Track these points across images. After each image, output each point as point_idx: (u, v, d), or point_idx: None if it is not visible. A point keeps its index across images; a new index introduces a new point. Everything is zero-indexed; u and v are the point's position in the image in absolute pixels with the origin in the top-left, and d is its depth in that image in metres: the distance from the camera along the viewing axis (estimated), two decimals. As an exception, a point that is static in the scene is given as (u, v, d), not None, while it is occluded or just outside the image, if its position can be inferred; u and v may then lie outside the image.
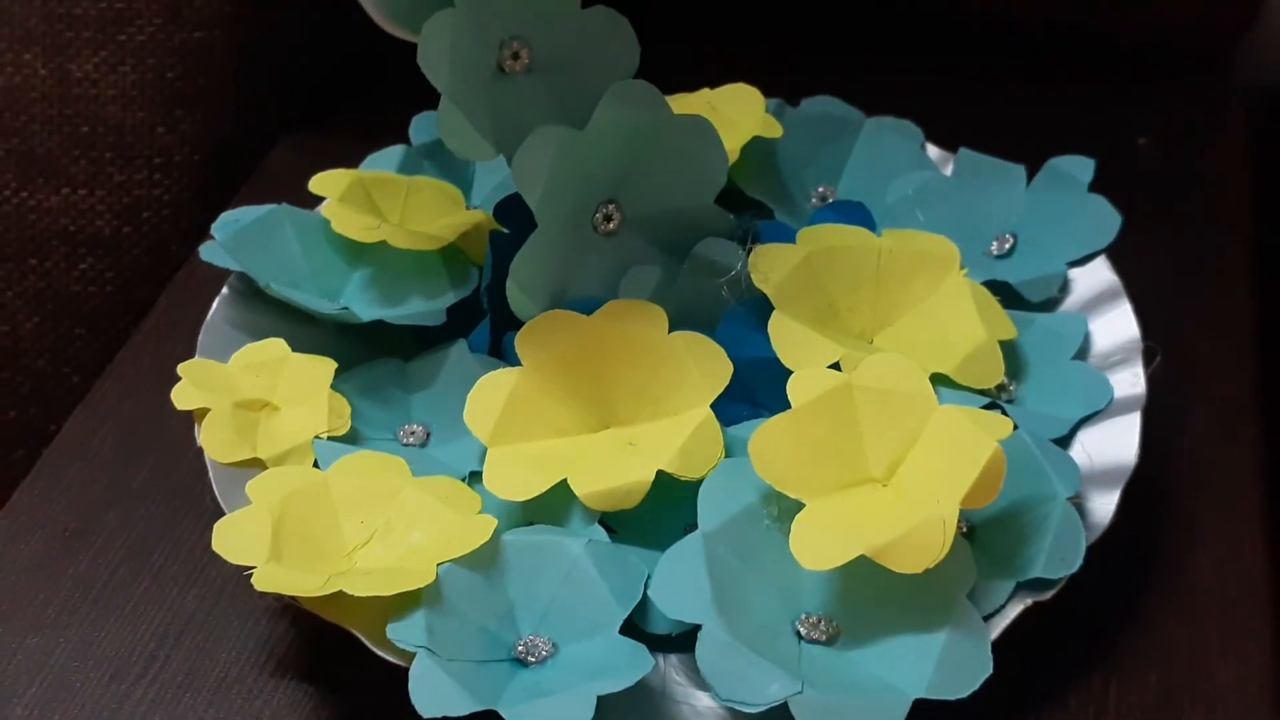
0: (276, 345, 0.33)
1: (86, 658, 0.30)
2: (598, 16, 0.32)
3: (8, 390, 0.45)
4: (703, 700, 0.27)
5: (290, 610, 0.30)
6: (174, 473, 0.33)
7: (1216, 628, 0.29)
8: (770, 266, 0.32)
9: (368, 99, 0.43)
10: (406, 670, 0.27)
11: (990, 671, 0.27)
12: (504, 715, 0.26)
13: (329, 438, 0.31)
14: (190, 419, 0.32)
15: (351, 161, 0.37)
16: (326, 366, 0.32)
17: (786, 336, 0.31)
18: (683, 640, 0.28)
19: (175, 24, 0.42)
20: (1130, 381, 0.31)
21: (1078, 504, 0.29)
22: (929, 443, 0.28)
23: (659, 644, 0.28)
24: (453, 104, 0.31)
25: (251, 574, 0.28)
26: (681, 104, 0.37)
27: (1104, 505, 0.29)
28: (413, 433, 0.33)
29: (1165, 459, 0.32)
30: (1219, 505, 0.31)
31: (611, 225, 0.33)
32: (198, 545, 0.31)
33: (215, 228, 0.34)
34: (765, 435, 0.28)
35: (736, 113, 0.37)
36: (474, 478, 0.31)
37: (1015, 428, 0.29)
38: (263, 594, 0.30)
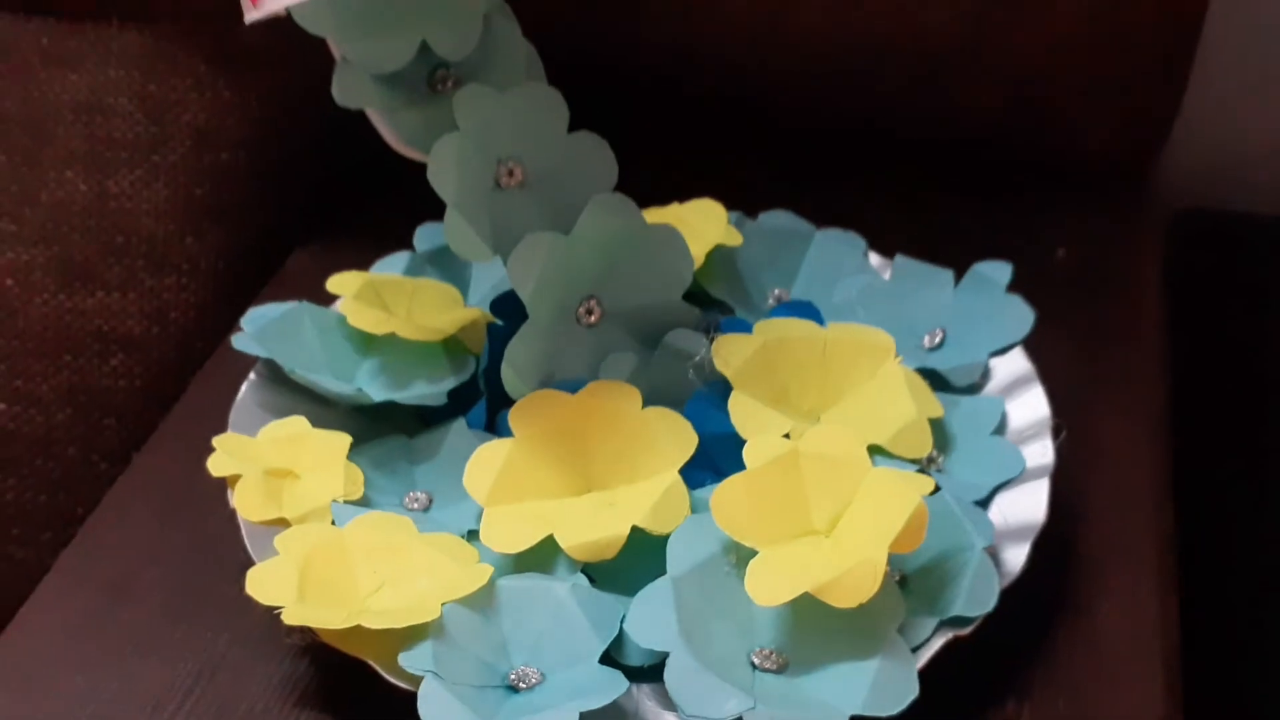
0: (298, 422, 0.37)
1: (129, 694, 0.34)
2: (582, 139, 0.37)
3: (40, 476, 0.49)
4: (670, 719, 0.31)
5: (311, 650, 0.34)
6: (206, 535, 0.37)
7: (1116, 662, 0.34)
8: (731, 353, 0.37)
9: (375, 212, 0.48)
10: (414, 697, 0.31)
11: (916, 694, 0.31)
12: (498, 725, 0.30)
13: (345, 501, 0.36)
14: (221, 487, 0.36)
15: (361, 266, 0.42)
16: (342, 441, 0.37)
17: (744, 413, 0.36)
18: (653, 672, 0.32)
19: (204, 147, 0.47)
20: (1040, 452, 0.36)
21: (993, 553, 0.33)
22: (863, 500, 0.33)
23: (633, 675, 0.32)
24: (458, 214, 0.36)
25: (279, 615, 0.32)
26: (654, 216, 0.42)
27: (1016, 556, 0.34)
28: (417, 499, 0.37)
29: (1071, 519, 0.36)
30: (1119, 558, 0.36)
31: (593, 318, 0.38)
32: (227, 597, 0.35)
33: (244, 321, 0.39)
34: (724, 492, 0.32)
35: (702, 223, 0.42)
36: (471, 536, 0.35)
37: (937, 488, 0.34)
38: (287, 636, 0.34)
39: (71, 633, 0.35)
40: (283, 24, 0.46)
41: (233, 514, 0.36)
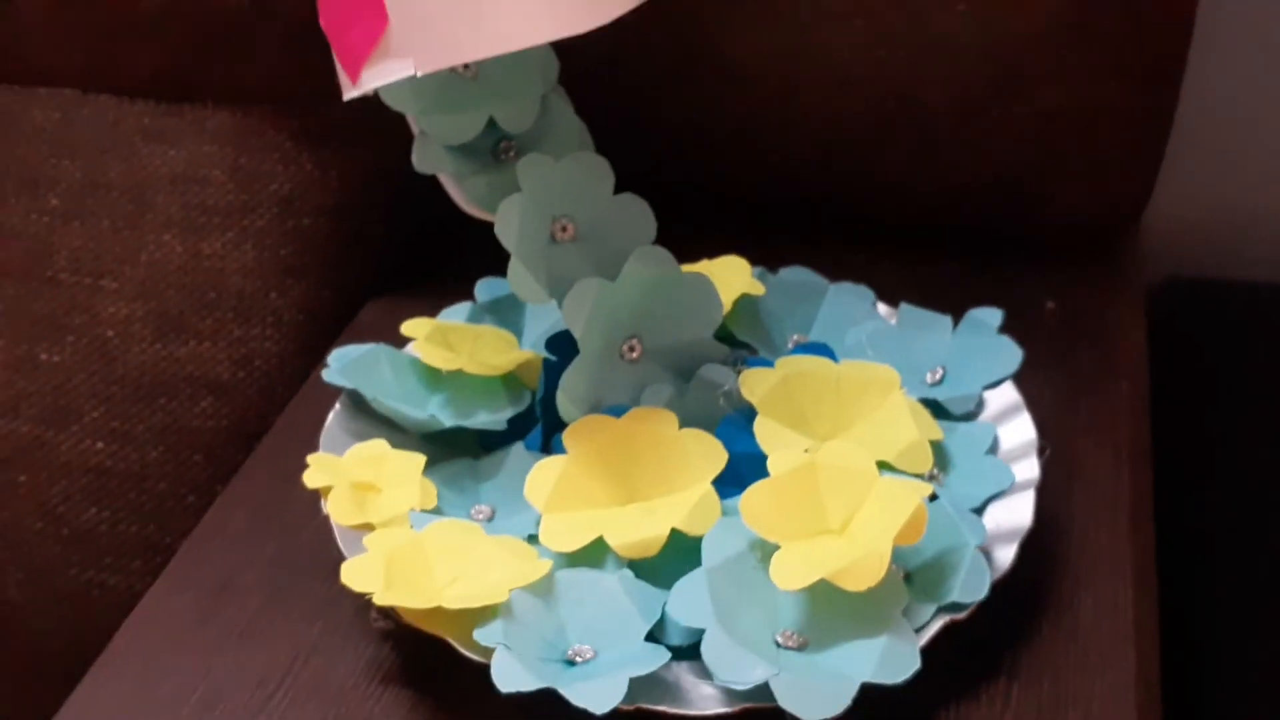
0: (379, 444, 0.43)
1: (236, 674, 0.39)
2: (626, 200, 0.43)
3: (133, 508, 0.55)
4: (705, 688, 0.36)
5: (393, 635, 0.39)
6: (297, 544, 0.43)
7: (1094, 651, 0.38)
8: (755, 384, 0.42)
9: (437, 270, 0.54)
10: (485, 669, 0.36)
11: (918, 666, 0.36)
12: (561, 691, 0.35)
13: (421, 511, 0.41)
14: (309, 505, 0.42)
15: (428, 315, 0.48)
16: (417, 460, 0.42)
17: (768, 434, 0.41)
18: (690, 650, 0.37)
19: (288, 213, 0.53)
20: (1027, 469, 0.41)
21: (985, 551, 0.38)
22: (872, 503, 0.38)
23: (674, 654, 0.37)
24: (520, 263, 0.42)
25: (368, 604, 0.37)
26: (688, 269, 0.48)
27: (1005, 555, 0.39)
28: (481, 511, 0.42)
29: (1056, 528, 0.41)
30: (1098, 561, 0.41)
31: (635, 354, 0.43)
32: (318, 593, 0.41)
33: (331, 359, 0.45)
34: (752, 496, 0.38)
35: (729, 276, 0.48)
36: (530, 541, 0.41)
37: (935, 495, 0.39)
38: (373, 621, 0.39)
39: (182, 625, 0.41)
40: (361, 106, 0.52)
41: (324, 521, 0.41)
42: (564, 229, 0.43)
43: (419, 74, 0.37)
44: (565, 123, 0.44)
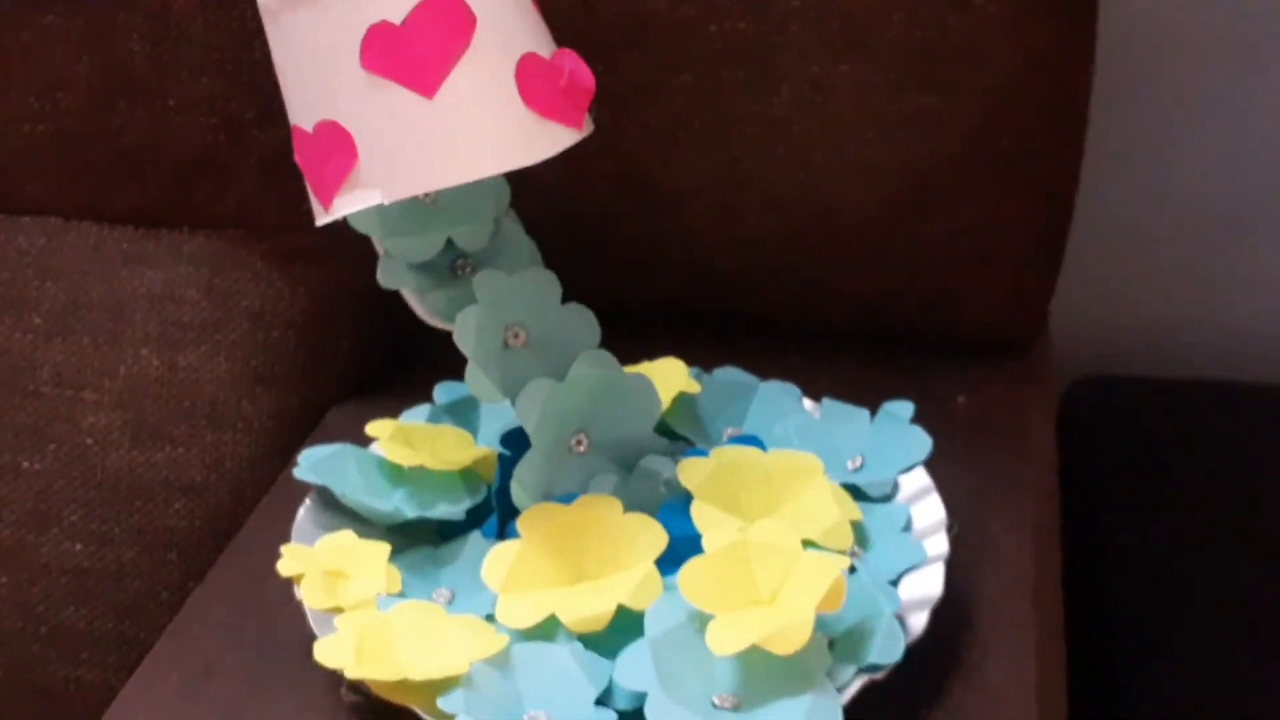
0: (347, 534, 0.47)
1: (218, 748, 0.42)
2: (572, 309, 0.47)
3: (110, 606, 0.58)
4: (649, 747, 0.40)
5: (363, 709, 0.43)
6: (273, 630, 0.46)
7: (1003, 706, 0.43)
8: (693, 472, 0.46)
9: (397, 378, 0.58)
10: (450, 736, 0.39)
11: (840, 721, 0.40)
12: (518, 750, 0.39)
13: (387, 595, 0.45)
14: (282, 595, 0.45)
15: (390, 417, 0.52)
16: (382, 549, 0.46)
17: (704, 517, 0.45)
18: (636, 715, 0.41)
19: (258, 326, 0.57)
20: (938, 544, 0.46)
21: (900, 618, 0.43)
22: (797, 577, 0.42)
23: (621, 718, 0.41)
24: (477, 367, 0.46)
25: (340, 683, 0.41)
26: (630, 370, 0.52)
27: (919, 621, 0.43)
28: (442, 594, 0.46)
29: (965, 598, 0.46)
30: (1005, 628, 0.45)
31: (582, 448, 0.47)
32: (294, 674, 0.44)
33: (301, 458, 0.49)
34: (690, 570, 0.42)
35: (667, 376, 0.52)
36: (488, 619, 0.44)
37: (854, 568, 0.43)
38: (346, 695, 0.42)
39: (168, 704, 0.44)
40: (327, 230, 0.57)
41: (297, 607, 0.44)
42: (516, 336, 0.47)
43: (386, 202, 0.41)
44: (517, 242, 0.49)
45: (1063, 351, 0.70)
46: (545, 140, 0.42)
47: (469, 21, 0.41)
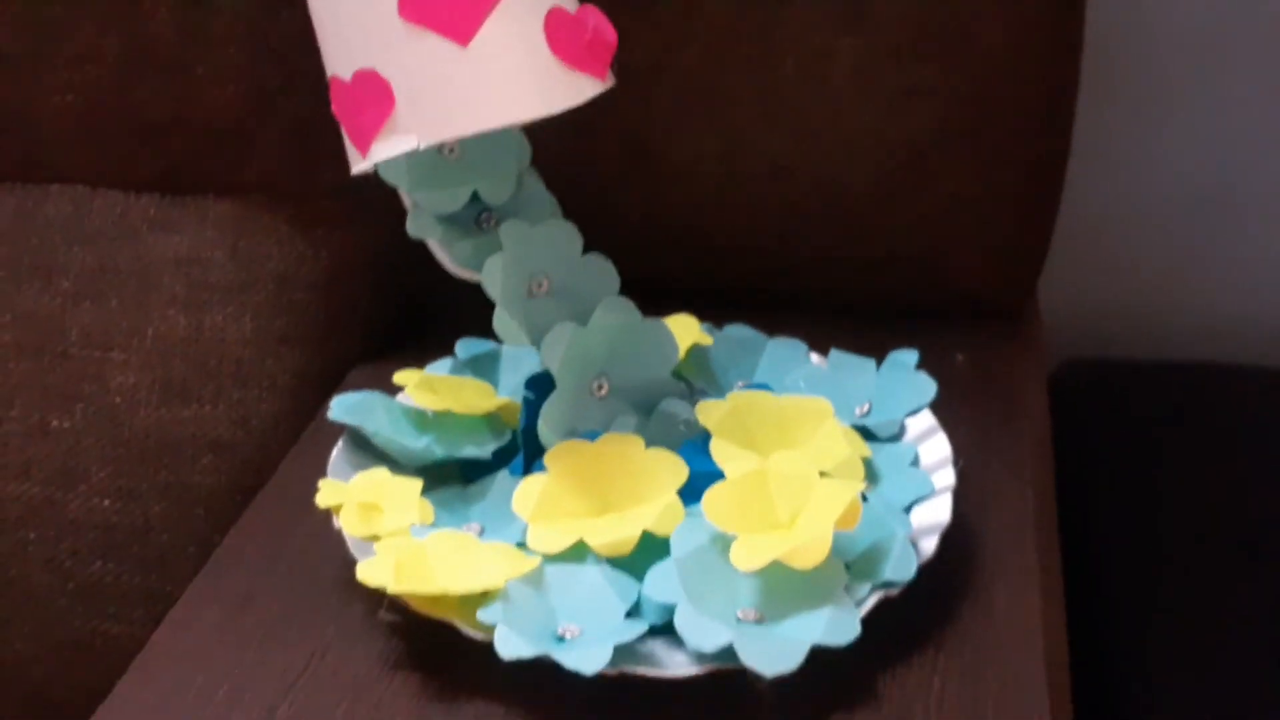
0: (381, 471, 0.49)
1: (261, 669, 0.44)
2: (593, 259, 0.49)
3: (137, 560, 0.59)
4: (678, 655, 0.42)
5: (400, 630, 0.44)
6: (308, 564, 0.48)
7: (1007, 627, 0.45)
8: (710, 412, 0.49)
9: (417, 338, 0.60)
10: (485, 655, 0.41)
11: (859, 632, 0.42)
12: (554, 657, 0.40)
13: (420, 525, 0.47)
14: (314, 533, 0.47)
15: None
16: (415, 483, 0.48)
17: (723, 452, 0.47)
18: (663, 629, 0.43)
19: (283, 288, 0.59)
20: (945, 478, 0.48)
21: (912, 541, 0.45)
22: (814, 502, 0.44)
23: (650, 633, 0.43)
24: (504, 311, 0.48)
25: (377, 607, 0.43)
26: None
27: (929, 545, 0.45)
28: (472, 529, 0.48)
29: (972, 527, 0.48)
30: (1009, 556, 0.47)
31: (603, 391, 0.49)
32: (330, 602, 0.46)
33: (333, 403, 0.51)
34: (713, 495, 0.44)
35: (681, 330, 0.54)
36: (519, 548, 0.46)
37: (866, 496, 0.45)
38: (383, 614, 0.44)
39: (209, 631, 0.46)
40: (348, 197, 0.59)
41: (329, 545, 0.46)
42: (540, 285, 0.49)
43: (422, 146, 0.43)
44: (538, 196, 0.51)
45: (1051, 334, 0.73)
46: (572, 89, 0.44)
47: (502, -27, 0.43)
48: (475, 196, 0.50)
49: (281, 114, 0.58)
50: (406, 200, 0.50)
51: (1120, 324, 0.87)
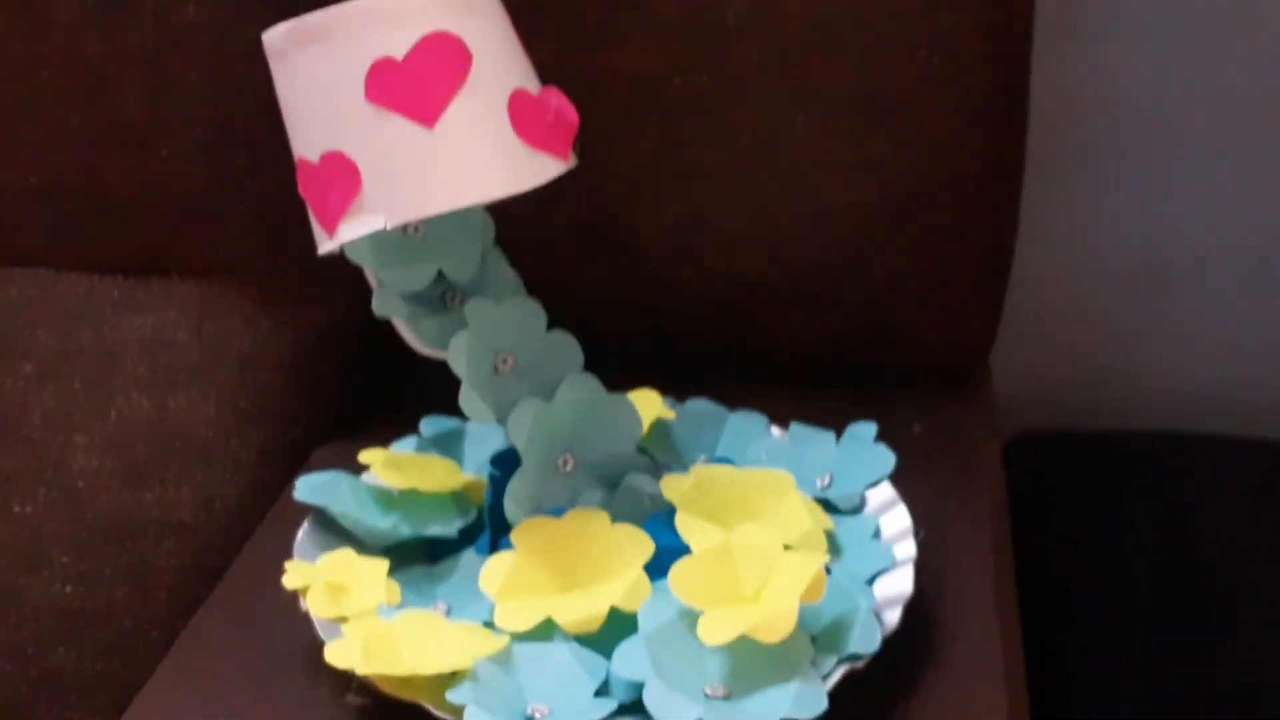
0: (347, 552, 0.49)
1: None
2: (557, 335, 0.50)
3: (99, 646, 0.59)
4: (648, 733, 0.42)
5: (368, 710, 0.44)
6: (273, 647, 0.48)
7: (970, 693, 0.45)
8: (675, 486, 0.49)
9: (380, 418, 0.60)
10: (457, 728, 0.41)
11: (825, 707, 0.42)
12: (524, 737, 0.41)
13: (388, 606, 0.47)
14: (280, 615, 0.47)
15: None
16: (381, 563, 0.48)
17: (688, 525, 0.48)
18: (631, 708, 0.43)
19: (248, 369, 0.59)
20: (906, 549, 0.49)
21: (876, 612, 0.45)
22: (779, 574, 0.45)
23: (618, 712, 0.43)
24: (470, 389, 0.49)
25: (344, 686, 0.43)
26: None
27: (892, 616, 0.46)
28: (439, 608, 0.48)
29: (933, 596, 0.49)
30: (970, 621, 0.48)
31: (568, 467, 0.50)
32: (299, 681, 0.46)
33: (299, 484, 0.51)
34: (680, 569, 0.44)
35: (643, 405, 0.55)
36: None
37: (830, 569, 0.46)
38: (350, 695, 0.44)
39: (176, 715, 0.45)
40: (313, 275, 0.60)
41: (297, 624, 0.46)
42: (505, 361, 0.50)
43: (389, 226, 0.44)
44: (502, 274, 0.52)
45: (1005, 407, 0.74)
46: (536, 169, 0.45)
47: (465, 58, 0.44)
48: (440, 275, 0.51)
49: (247, 194, 0.58)
50: (372, 279, 0.51)
51: (1071, 396, 0.89)
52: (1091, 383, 0.89)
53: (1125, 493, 0.79)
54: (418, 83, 0.44)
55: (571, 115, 0.47)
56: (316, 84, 0.45)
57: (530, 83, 0.46)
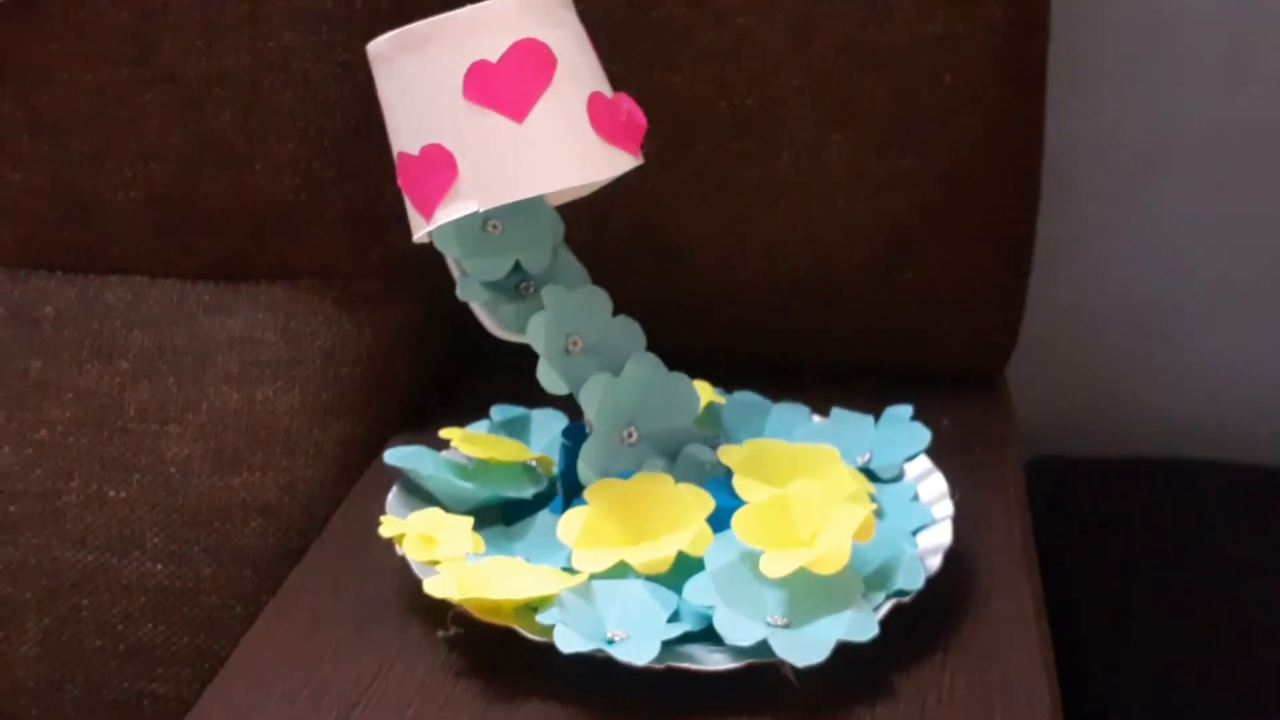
0: (434, 510, 0.54)
1: (336, 678, 0.48)
2: (622, 320, 0.55)
3: (186, 621, 0.63)
4: (717, 655, 0.47)
5: (459, 644, 0.49)
6: (366, 595, 0.52)
7: (1005, 634, 0.50)
8: (731, 454, 0.54)
9: (451, 410, 0.65)
10: (538, 662, 0.46)
11: (877, 631, 0.47)
12: (608, 651, 0.45)
13: (474, 555, 0.52)
14: (370, 570, 0.52)
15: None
16: (466, 520, 0.53)
17: (745, 485, 0.52)
18: (701, 635, 0.47)
19: (330, 363, 0.64)
20: (944, 509, 0.53)
21: (919, 556, 0.50)
22: (832, 521, 0.49)
23: (690, 638, 0.48)
24: (547, 363, 0.54)
25: (439, 621, 0.48)
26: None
27: (934, 561, 0.50)
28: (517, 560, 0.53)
29: (968, 556, 0.53)
30: (1003, 576, 0.52)
31: (633, 439, 0.55)
32: (393, 622, 0.51)
33: (388, 453, 0.56)
34: (742, 516, 0.49)
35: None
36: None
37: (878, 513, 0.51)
38: (441, 632, 0.49)
39: (284, 649, 0.50)
40: (390, 278, 0.65)
41: (386, 577, 0.51)
42: (575, 343, 0.55)
43: (482, 209, 0.49)
44: (571, 267, 0.57)
45: (1022, 433, 0.79)
46: (611, 161, 0.51)
47: (551, 62, 0.50)
48: (517, 266, 0.56)
49: (333, 204, 0.64)
50: (455, 270, 0.56)
51: (1085, 423, 0.94)
52: (1101, 412, 0.94)
53: (1131, 514, 0.84)
54: (510, 83, 0.49)
55: (640, 117, 0.52)
56: (419, 85, 0.50)
57: (605, 87, 0.52)
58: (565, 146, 0.50)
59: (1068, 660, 0.71)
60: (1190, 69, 0.85)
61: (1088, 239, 0.89)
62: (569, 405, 0.56)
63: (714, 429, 0.60)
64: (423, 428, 0.65)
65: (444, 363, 0.68)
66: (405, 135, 0.51)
